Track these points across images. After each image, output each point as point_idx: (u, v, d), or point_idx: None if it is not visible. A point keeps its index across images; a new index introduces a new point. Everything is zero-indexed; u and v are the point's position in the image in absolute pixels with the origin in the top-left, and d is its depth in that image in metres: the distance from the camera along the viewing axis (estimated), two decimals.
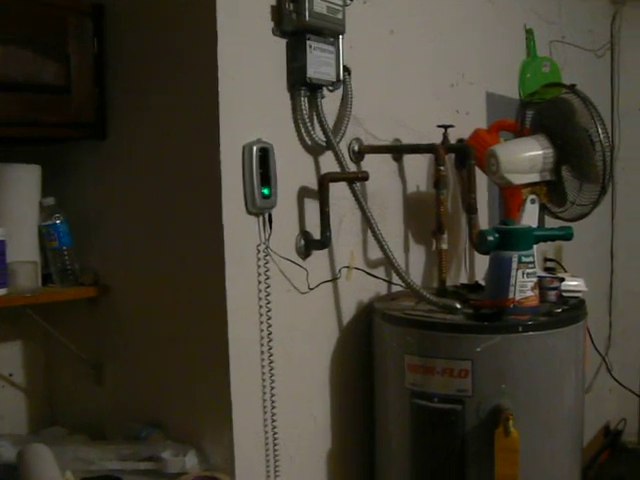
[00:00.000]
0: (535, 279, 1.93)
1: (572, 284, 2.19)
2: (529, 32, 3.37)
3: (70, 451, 1.84)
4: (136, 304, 1.98)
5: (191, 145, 1.79)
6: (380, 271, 2.29)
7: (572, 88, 2.28)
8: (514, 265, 1.89)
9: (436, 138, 2.38)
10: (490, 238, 1.91)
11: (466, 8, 2.82)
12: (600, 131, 2.18)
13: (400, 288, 2.27)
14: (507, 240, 1.92)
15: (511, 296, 1.89)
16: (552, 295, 2.08)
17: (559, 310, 1.98)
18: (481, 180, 2.63)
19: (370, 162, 2.22)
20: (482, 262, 2.38)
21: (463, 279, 2.73)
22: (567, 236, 2.06)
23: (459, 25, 2.77)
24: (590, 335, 2.42)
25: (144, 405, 1.99)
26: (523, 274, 1.89)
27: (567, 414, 1.97)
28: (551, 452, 1.92)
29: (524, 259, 1.89)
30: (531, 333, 1.86)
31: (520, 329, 1.84)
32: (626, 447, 4.30)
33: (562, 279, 2.14)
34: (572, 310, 2.01)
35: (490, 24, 3.02)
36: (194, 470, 1.79)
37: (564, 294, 2.14)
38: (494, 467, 1.77)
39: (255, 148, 1.78)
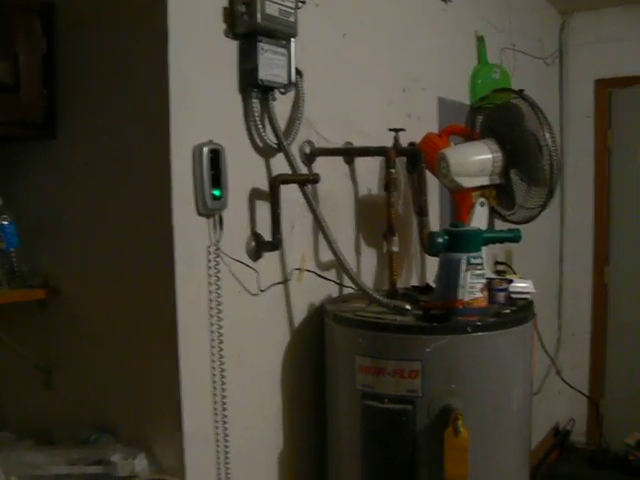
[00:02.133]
0: (484, 280, 1.96)
1: (521, 286, 2.22)
2: (480, 39, 3.42)
3: (16, 456, 1.81)
4: (86, 306, 1.95)
5: (142, 145, 1.78)
6: (331, 273, 2.30)
7: (520, 93, 2.32)
8: (463, 266, 1.91)
9: (388, 142, 2.41)
10: (439, 240, 1.93)
11: (418, 14, 2.85)
12: (547, 135, 2.22)
13: (351, 290, 2.29)
14: (456, 242, 1.94)
15: (460, 297, 1.91)
16: (501, 296, 2.11)
17: (507, 311, 2.01)
18: (432, 184, 2.66)
19: (322, 165, 2.22)
20: (433, 264, 2.39)
21: (415, 281, 2.75)
22: (515, 238, 2.10)
23: (411, 31, 2.80)
24: (540, 337, 2.46)
25: (94, 409, 1.96)
26: (472, 275, 1.92)
27: (515, 413, 2.00)
28: (500, 451, 1.96)
29: (473, 260, 1.92)
30: (480, 334, 1.88)
31: (469, 330, 1.86)
32: (574, 447, 4.37)
33: (511, 281, 2.18)
34: (520, 311, 2.04)
35: (442, 31, 3.06)
36: (144, 473, 1.77)
37: (513, 296, 2.17)
38: (444, 466, 1.78)
39: (206, 149, 1.78)
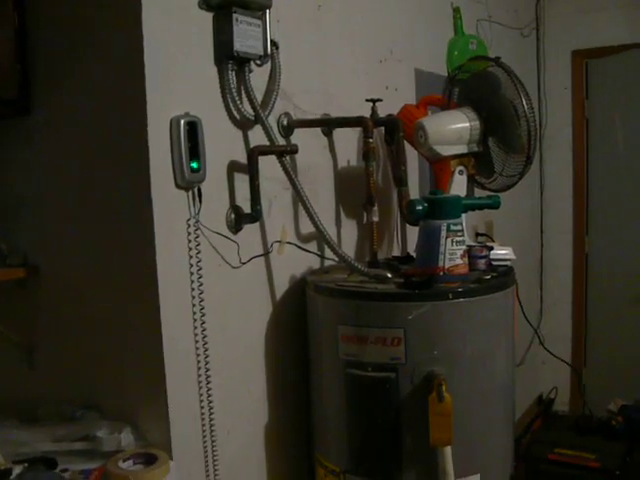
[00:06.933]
0: (464, 247, 1.96)
1: (501, 253, 2.23)
2: (456, 10, 3.41)
3: (1, 434, 1.80)
4: (66, 284, 1.95)
5: (118, 119, 1.77)
6: (312, 245, 2.30)
7: (497, 61, 2.32)
8: (443, 233, 1.91)
9: (366, 114, 2.39)
10: (419, 207, 1.93)
11: None
12: (524, 102, 2.23)
13: (332, 262, 2.29)
14: (436, 209, 1.94)
15: (441, 264, 1.92)
16: (481, 263, 2.12)
17: (488, 277, 2.01)
18: (411, 155, 2.66)
19: (300, 137, 2.22)
20: (414, 235, 2.40)
21: (396, 253, 2.76)
22: (494, 204, 2.10)
23: (387, 2, 2.79)
24: (521, 306, 2.48)
25: (78, 386, 1.96)
26: (452, 242, 1.92)
27: (499, 378, 2.01)
28: (484, 415, 1.97)
29: (453, 227, 1.92)
30: (461, 300, 1.88)
31: (450, 296, 1.87)
32: (558, 414, 4.42)
33: (491, 248, 2.18)
34: (501, 277, 2.05)
35: (417, 1, 3.06)
36: (130, 447, 1.78)
37: (493, 262, 2.18)
38: (429, 432, 1.80)
39: (183, 122, 1.77)
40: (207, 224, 1.87)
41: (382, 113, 2.48)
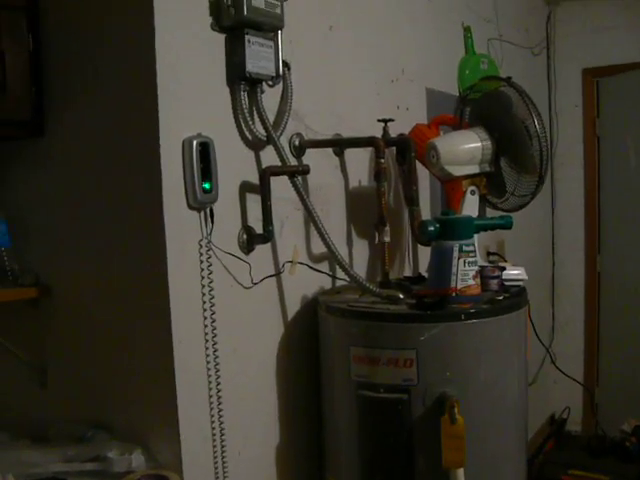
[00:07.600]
0: (476, 268, 1.96)
1: (513, 273, 2.22)
2: (467, 30, 3.42)
3: (12, 455, 1.80)
4: (78, 304, 1.95)
5: (130, 140, 1.77)
6: (324, 266, 2.30)
7: (508, 81, 2.33)
8: (455, 254, 1.91)
9: (377, 134, 2.40)
10: (431, 228, 1.93)
11: (405, 5, 2.85)
12: (536, 122, 2.23)
13: (344, 282, 2.29)
14: (448, 230, 1.94)
15: (453, 285, 1.92)
16: (494, 284, 2.11)
17: (500, 298, 2.01)
18: (423, 175, 2.67)
19: (312, 157, 2.22)
20: (426, 255, 2.40)
21: (408, 273, 2.75)
22: (507, 225, 2.10)
23: (398, 22, 2.80)
24: (533, 325, 2.46)
25: (89, 407, 1.96)
26: (464, 263, 1.92)
27: (511, 399, 2.00)
28: (497, 437, 1.95)
29: (465, 248, 1.92)
30: (474, 321, 1.87)
31: (462, 317, 1.86)
32: (570, 435, 4.39)
33: (503, 268, 2.18)
34: (513, 297, 2.04)
35: (428, 21, 3.07)
36: (141, 468, 1.77)
37: (505, 283, 2.17)
38: (441, 454, 1.78)
39: (195, 142, 1.77)
40: (219, 245, 1.87)
41: (393, 133, 2.49)
